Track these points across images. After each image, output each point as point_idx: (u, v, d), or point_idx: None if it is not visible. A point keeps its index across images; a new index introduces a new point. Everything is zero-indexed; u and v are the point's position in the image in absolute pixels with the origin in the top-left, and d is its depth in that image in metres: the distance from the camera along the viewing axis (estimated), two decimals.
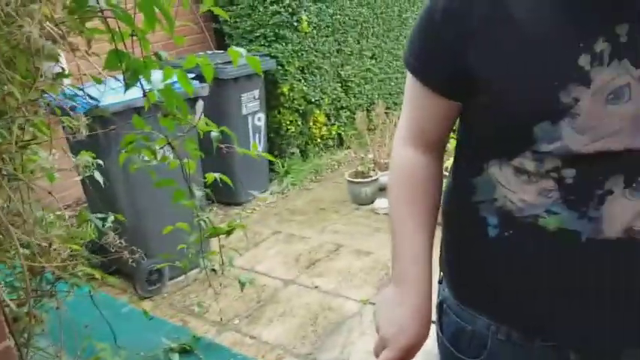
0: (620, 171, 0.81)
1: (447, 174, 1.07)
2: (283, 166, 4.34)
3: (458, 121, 0.99)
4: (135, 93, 1.42)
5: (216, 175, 1.67)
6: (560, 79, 0.78)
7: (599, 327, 0.91)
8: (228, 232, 1.53)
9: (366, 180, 3.92)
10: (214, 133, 1.52)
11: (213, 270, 1.59)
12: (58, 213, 1.34)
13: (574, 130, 0.79)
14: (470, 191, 0.94)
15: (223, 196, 3.52)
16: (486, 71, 0.83)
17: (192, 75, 2.83)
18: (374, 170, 4.01)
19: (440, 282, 1.12)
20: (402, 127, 1.02)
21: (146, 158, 1.57)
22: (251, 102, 3.86)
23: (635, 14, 0.75)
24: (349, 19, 4.68)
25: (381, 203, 3.83)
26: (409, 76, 0.97)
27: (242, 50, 1.44)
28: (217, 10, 1.37)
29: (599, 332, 0.91)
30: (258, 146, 3.96)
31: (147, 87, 1.36)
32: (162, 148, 1.55)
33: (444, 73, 0.90)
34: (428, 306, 0.96)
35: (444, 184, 1.07)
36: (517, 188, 0.87)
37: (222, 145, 1.56)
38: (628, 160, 0.80)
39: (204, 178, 1.68)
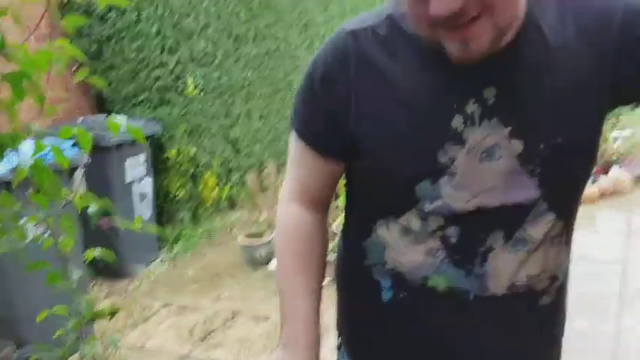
0: (499, 227, 0.85)
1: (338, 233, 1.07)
2: (173, 233, 4.17)
3: (346, 180, 1.00)
4: (2, 167, 1.30)
5: (97, 251, 1.55)
6: (437, 140, 0.82)
7: None
8: (111, 314, 1.41)
9: (260, 242, 3.86)
10: (92, 209, 1.42)
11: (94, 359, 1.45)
12: None
13: (453, 188, 0.83)
14: (361, 255, 0.95)
15: (108, 269, 3.29)
16: (365, 135, 0.87)
17: (72, 142, 2.68)
18: (268, 231, 3.96)
19: (338, 348, 1.09)
20: (286, 184, 1.03)
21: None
22: (136, 168, 3.71)
23: (500, 79, 0.81)
24: (235, 81, 4.71)
25: (276, 264, 3.78)
26: (293, 135, 0.98)
27: (122, 119, 1.37)
28: (93, 80, 1.30)
29: None
30: (141, 220, 3.80)
31: (16, 162, 1.25)
32: (35, 226, 1.42)
33: (325, 137, 0.92)
34: None
35: (337, 244, 1.07)
36: (406, 249, 0.89)
37: (102, 222, 1.46)
38: (505, 216, 0.84)
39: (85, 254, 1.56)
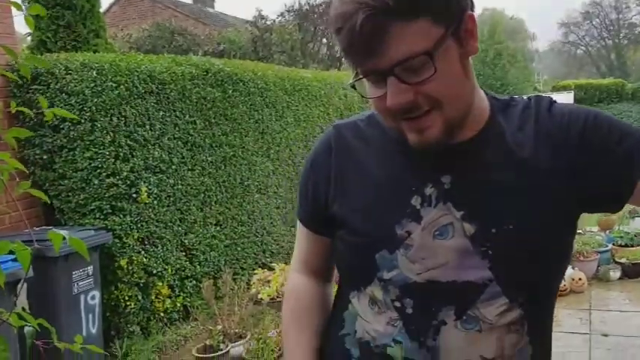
0: (451, 302, 0.91)
1: None
2: (121, 348, 3.92)
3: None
4: None
5: None
6: (396, 215, 0.94)
7: None
8: None
9: (216, 354, 3.66)
10: (28, 328, 1.31)
11: None
12: None
13: (408, 260, 0.92)
14: (340, 325, 1.05)
15: None
16: (340, 208, 1.00)
17: (13, 255, 2.55)
18: (224, 342, 3.77)
19: None
20: (294, 256, 1.20)
21: None
22: (83, 279, 3.54)
23: (457, 168, 0.93)
24: (191, 188, 4.69)
25: None
26: None
27: (64, 232, 1.30)
28: (35, 192, 1.25)
29: None
30: (82, 339, 3.58)
31: None
32: None
33: (313, 218, 1.09)
34: None
35: None
36: (371, 319, 0.97)
37: (39, 342, 1.34)
38: (456, 293, 0.90)
39: None
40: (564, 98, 14.04)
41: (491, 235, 0.89)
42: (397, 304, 0.94)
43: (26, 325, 1.37)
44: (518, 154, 0.92)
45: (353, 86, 0.90)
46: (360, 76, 0.88)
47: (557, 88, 16.84)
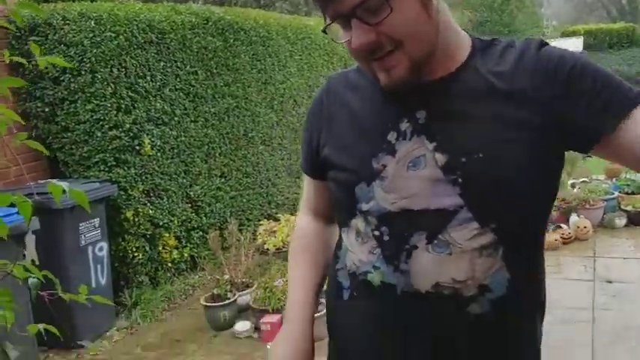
0: (423, 228, 0.95)
1: None
2: (131, 297, 3.99)
3: None
4: None
5: (40, 325, 1.44)
6: (373, 149, 1.00)
7: None
8: None
9: (223, 303, 3.72)
10: (32, 280, 1.32)
11: None
12: None
13: (383, 190, 0.99)
14: (336, 261, 1.13)
15: (60, 339, 3.10)
16: (328, 151, 1.09)
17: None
18: (231, 291, 3.83)
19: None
20: (301, 200, 1.30)
21: None
22: (90, 231, 3.57)
23: (431, 104, 0.98)
24: (195, 140, 4.66)
25: (241, 326, 3.63)
26: None
27: (65, 184, 1.29)
28: (32, 144, 1.22)
29: None
30: (87, 289, 3.63)
31: None
32: None
33: (311, 165, 1.17)
34: (306, 339, 1.15)
35: None
36: (357, 250, 1.04)
37: (45, 293, 1.35)
38: (428, 220, 0.95)
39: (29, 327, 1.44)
40: (573, 44, 13.66)
41: (461, 164, 0.93)
42: (376, 232, 1.00)
43: (31, 276, 1.38)
44: (493, 87, 0.95)
45: (324, 31, 0.96)
46: (329, 22, 0.93)
47: (566, 34, 16.44)
